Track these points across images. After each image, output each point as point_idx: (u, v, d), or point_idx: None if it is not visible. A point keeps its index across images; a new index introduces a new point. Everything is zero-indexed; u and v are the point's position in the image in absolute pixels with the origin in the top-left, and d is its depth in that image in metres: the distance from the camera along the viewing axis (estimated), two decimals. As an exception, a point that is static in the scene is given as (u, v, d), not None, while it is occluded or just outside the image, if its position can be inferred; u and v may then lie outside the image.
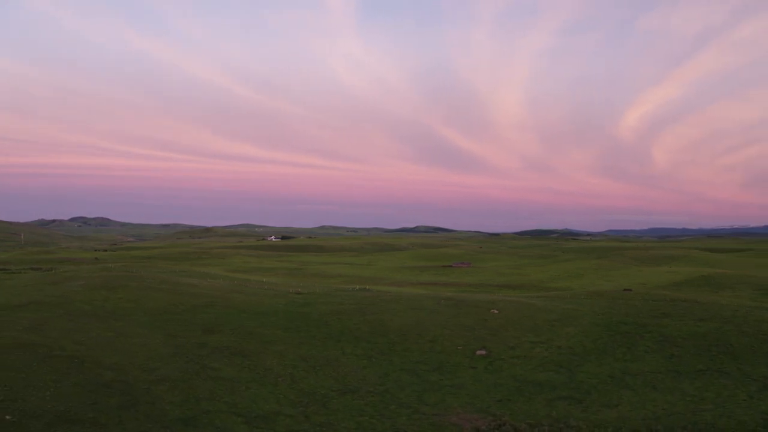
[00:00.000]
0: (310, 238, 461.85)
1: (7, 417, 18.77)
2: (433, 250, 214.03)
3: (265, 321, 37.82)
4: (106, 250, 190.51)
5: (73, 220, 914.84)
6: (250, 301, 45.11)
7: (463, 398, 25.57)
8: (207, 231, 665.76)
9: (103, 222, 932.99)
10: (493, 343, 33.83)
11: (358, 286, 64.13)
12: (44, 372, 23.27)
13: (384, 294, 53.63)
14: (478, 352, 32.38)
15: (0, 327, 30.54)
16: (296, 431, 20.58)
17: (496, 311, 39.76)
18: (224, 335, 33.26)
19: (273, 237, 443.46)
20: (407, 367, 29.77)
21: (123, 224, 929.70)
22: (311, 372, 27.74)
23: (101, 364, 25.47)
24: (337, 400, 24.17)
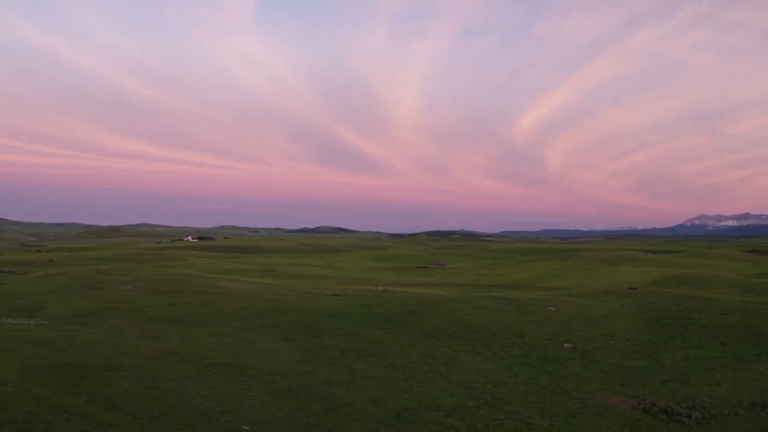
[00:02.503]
0: (226, 238, 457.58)
1: (245, 428, 19.57)
2: (381, 251, 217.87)
3: (348, 322, 39.27)
4: (39, 251, 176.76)
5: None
6: (308, 303, 46.08)
7: (590, 384, 29.01)
8: (115, 231, 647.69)
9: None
10: (571, 337, 37.66)
11: (381, 287, 66.08)
12: (221, 380, 24.01)
13: (416, 295, 56.26)
14: (565, 345, 36.05)
15: (115, 334, 30.25)
16: (497, 419, 23.00)
17: (552, 309, 43.75)
18: (329, 337, 34.55)
19: (189, 237, 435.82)
20: (519, 361, 32.78)
21: (15, 223, 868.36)
22: (446, 368, 29.99)
23: (260, 370, 26.32)
24: (499, 391, 26.75)
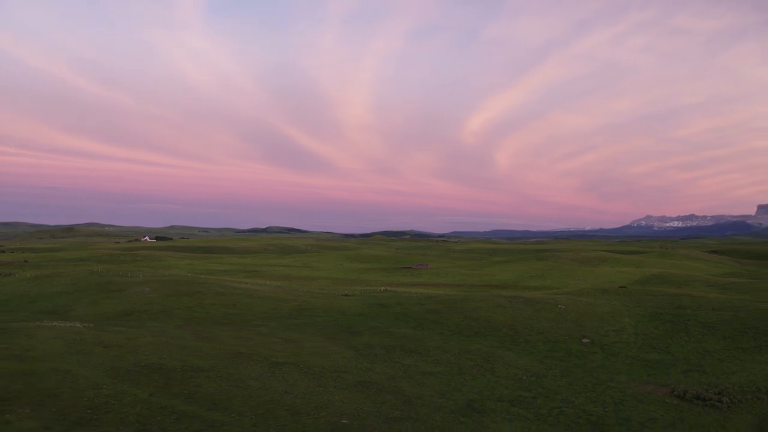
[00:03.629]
0: (183, 238, 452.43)
1: (344, 421, 20.67)
2: (351, 252, 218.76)
3: (378, 321, 40.59)
4: (3, 251, 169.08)
5: None
6: (327, 303, 47.08)
7: (620, 375, 31.37)
8: (69, 231, 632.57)
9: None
10: (585, 333, 40.15)
11: (382, 288, 67.40)
12: (295, 378, 25.10)
13: (423, 295, 58.02)
14: (584, 340, 38.49)
15: (169, 336, 30.68)
16: (556, 408, 24.93)
17: (563, 306, 46.30)
18: (368, 336, 35.83)
19: (147, 237, 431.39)
20: (547, 355, 34.91)
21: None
22: (488, 363, 31.78)
23: (323, 367, 27.47)
24: (545, 383, 28.73)
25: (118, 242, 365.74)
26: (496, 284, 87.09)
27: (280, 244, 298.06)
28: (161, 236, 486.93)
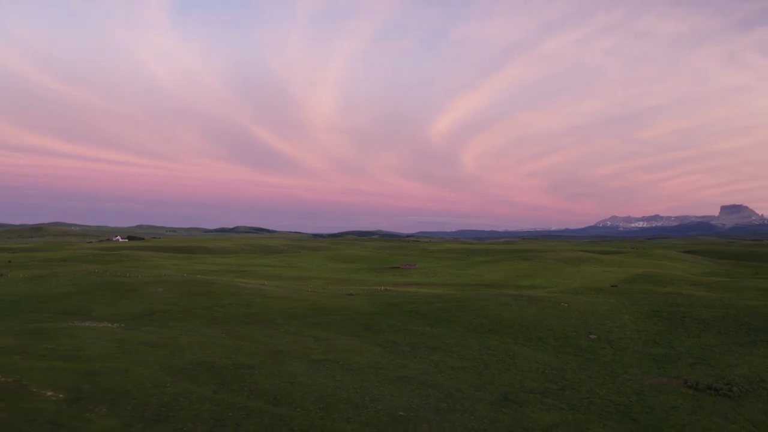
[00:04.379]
0: (155, 238, 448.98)
1: (401, 413, 22.10)
2: (331, 252, 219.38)
3: (394, 320, 41.71)
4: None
5: None
6: (339, 303, 48.02)
7: (632, 368, 33.19)
8: (38, 230, 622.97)
9: None
10: (592, 329, 42.05)
11: (382, 288, 68.47)
12: (340, 374, 26.10)
13: (426, 294, 59.35)
14: (591, 336, 40.36)
15: (205, 335, 31.25)
16: (585, 398, 26.47)
17: (565, 305, 48.21)
18: (390, 333, 36.94)
19: (119, 237, 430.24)
20: (560, 350, 36.58)
21: None
22: (509, 358, 33.23)
23: (360, 363, 28.53)
24: (567, 376, 30.29)
25: (91, 242, 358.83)
26: (488, 283, 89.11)
27: (257, 244, 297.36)
28: (132, 236, 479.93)
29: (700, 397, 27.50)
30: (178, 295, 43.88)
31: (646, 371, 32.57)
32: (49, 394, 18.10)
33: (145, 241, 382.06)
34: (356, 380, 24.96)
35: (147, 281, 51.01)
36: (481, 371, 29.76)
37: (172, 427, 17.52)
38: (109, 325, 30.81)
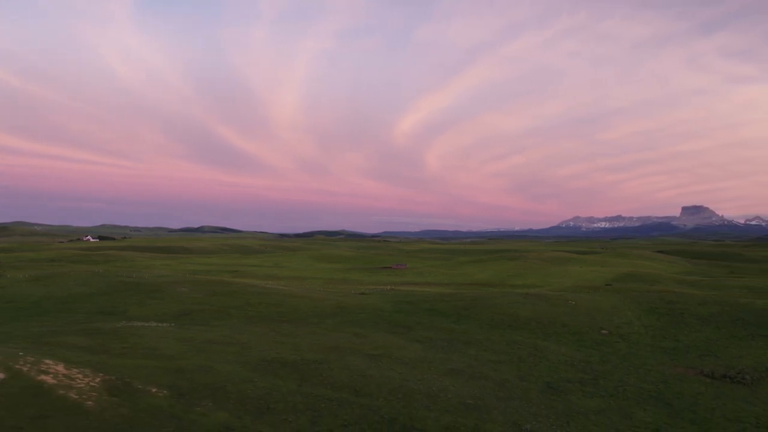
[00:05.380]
0: (125, 238, 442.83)
1: (469, 401, 23.99)
2: (314, 252, 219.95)
3: (419, 317, 43.54)
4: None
5: None
6: (358, 302, 49.59)
7: (648, 360, 35.82)
8: (4, 230, 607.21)
9: None
10: (602, 325, 44.73)
11: (388, 287, 70.19)
12: (399, 368, 27.82)
13: (432, 293, 61.40)
14: (603, 332, 43.00)
15: (256, 333, 32.51)
16: (618, 386, 28.83)
17: (572, 302, 50.89)
18: (421, 330, 38.76)
19: (89, 237, 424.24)
20: (579, 344, 39.01)
21: None
22: (538, 351, 35.39)
23: (410, 358, 30.32)
24: (594, 367, 32.65)
25: (62, 242, 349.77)
26: (483, 283, 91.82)
27: (233, 245, 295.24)
28: (103, 236, 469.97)
29: (718, 385, 30.21)
30: (204, 295, 44.75)
31: (661, 362, 35.25)
32: (154, 390, 19.37)
33: (118, 240, 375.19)
34: (414, 373, 26.73)
35: (166, 281, 51.55)
36: (518, 364, 31.88)
37: (276, 418, 19.01)
38: (160, 324, 31.75)
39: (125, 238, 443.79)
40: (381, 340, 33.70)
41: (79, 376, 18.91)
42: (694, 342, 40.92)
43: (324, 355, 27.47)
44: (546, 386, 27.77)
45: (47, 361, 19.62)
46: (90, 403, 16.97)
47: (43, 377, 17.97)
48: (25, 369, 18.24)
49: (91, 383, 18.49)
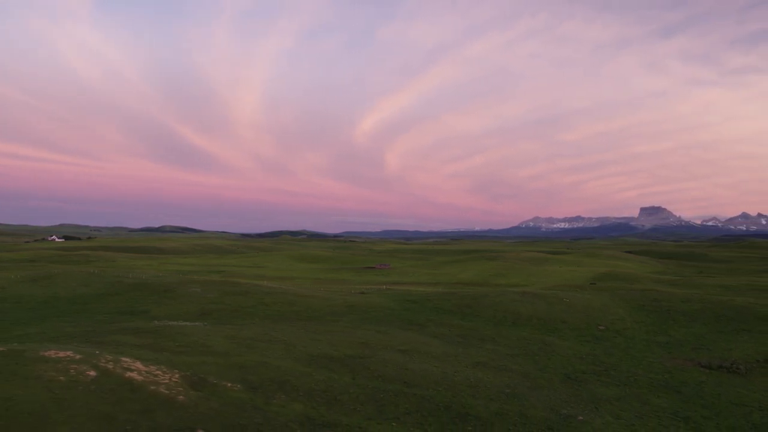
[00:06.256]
0: (90, 238, 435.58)
1: (507, 390, 25.87)
2: (293, 252, 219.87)
3: (427, 315, 45.34)
4: None
5: None
6: (365, 301, 51.10)
7: (646, 353, 38.52)
8: None
9: None
10: (598, 321, 47.47)
11: (385, 286, 71.72)
12: (433, 362, 29.52)
13: (428, 292, 63.33)
14: (600, 327, 45.71)
15: (288, 332, 33.70)
16: (629, 376, 31.24)
17: (567, 300, 53.59)
18: (434, 327, 40.58)
19: (55, 237, 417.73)
20: (581, 339, 41.50)
21: None
22: (547, 346, 37.68)
23: (438, 352, 32.08)
24: (601, 360, 35.06)
25: (29, 242, 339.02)
26: (468, 282, 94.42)
27: (205, 245, 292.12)
28: (68, 236, 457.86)
29: (716, 375, 33.02)
30: (217, 295, 45.46)
31: (659, 355, 38.02)
32: (229, 385, 20.59)
33: (84, 240, 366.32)
34: (446, 366, 28.50)
35: (173, 282, 51.88)
36: (533, 357, 34.03)
37: (346, 407, 20.51)
38: (193, 324, 32.58)
39: (90, 238, 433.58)
40: (403, 337, 35.35)
41: (159, 372, 19.95)
42: (684, 336, 43.98)
43: (360, 350, 28.95)
44: (565, 377, 29.94)
45: (124, 359, 20.58)
46: (181, 397, 18.09)
47: (129, 374, 18.96)
48: (110, 367, 19.19)
49: (173, 379, 19.57)
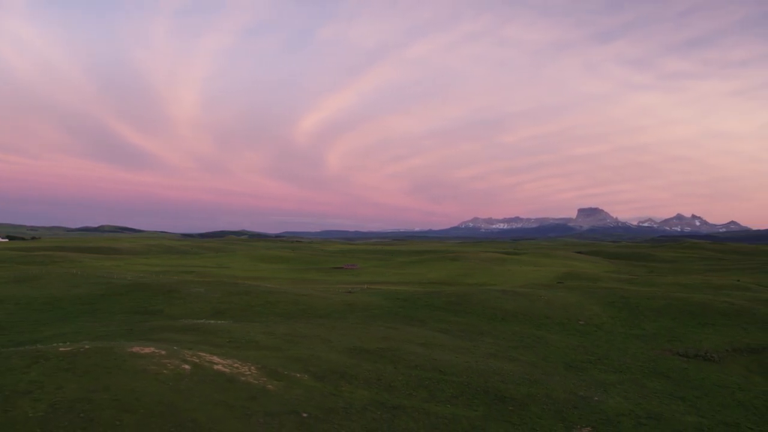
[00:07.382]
0: (34, 238, 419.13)
1: (525, 377, 28.92)
2: (256, 253, 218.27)
3: (424, 313, 48.01)
4: None
5: None
6: (359, 300, 53.28)
7: (628, 344, 42.69)
8: None
9: None
10: (577, 317, 51.65)
11: (366, 285, 73.89)
12: (462, 355, 32.24)
13: (419, 291, 66.16)
14: (580, 322, 49.84)
15: (316, 330, 35.49)
16: (623, 365, 34.98)
17: (545, 297, 57.66)
18: (434, 323, 43.33)
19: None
20: (567, 333, 45.29)
21: None
22: (540, 339, 41.20)
23: (452, 345, 34.81)
24: (592, 351, 38.80)
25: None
26: (439, 281, 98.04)
27: (160, 245, 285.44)
28: (12, 236, 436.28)
29: (695, 362, 37.42)
30: (222, 295, 46.47)
31: (639, 346, 42.32)
32: (298, 375, 22.60)
33: (29, 241, 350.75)
34: (465, 357, 31.27)
35: (172, 282, 52.27)
36: (532, 348, 37.38)
37: (403, 393, 22.93)
38: (219, 322, 33.90)
39: (34, 238, 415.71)
40: (414, 332, 37.92)
41: (237, 365, 21.69)
42: (657, 330, 48.71)
43: (386, 344, 31.31)
44: (567, 366, 33.36)
45: (201, 353, 22.13)
46: (270, 387, 19.99)
47: (216, 367, 20.63)
48: (197, 361, 20.79)
49: (252, 370, 21.36)
